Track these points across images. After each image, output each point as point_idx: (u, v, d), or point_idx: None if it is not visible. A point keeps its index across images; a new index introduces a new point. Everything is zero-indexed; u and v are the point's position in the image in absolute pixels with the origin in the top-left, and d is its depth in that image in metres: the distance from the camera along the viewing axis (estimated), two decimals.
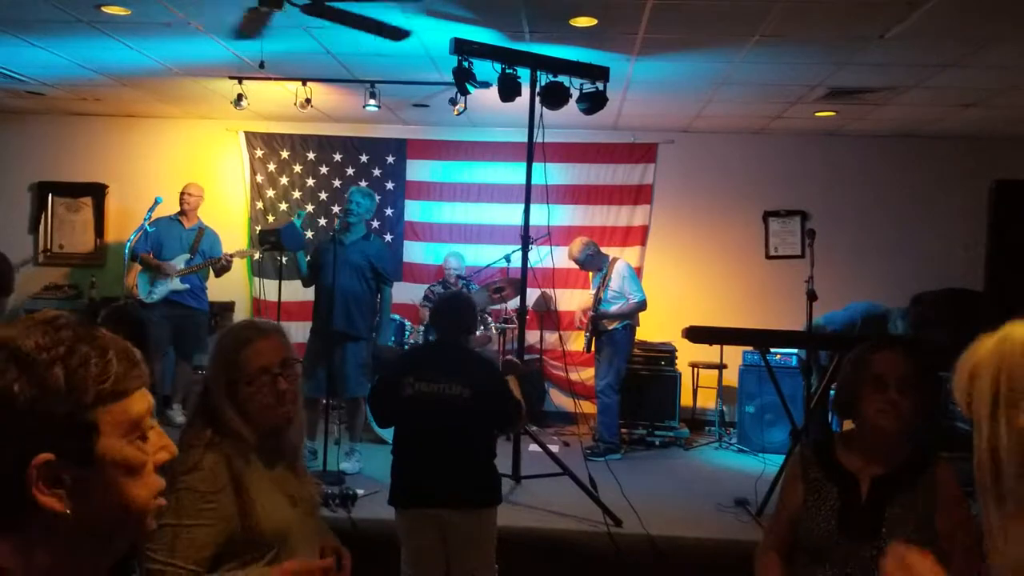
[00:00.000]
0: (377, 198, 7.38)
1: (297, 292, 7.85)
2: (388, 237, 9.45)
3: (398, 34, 5.72)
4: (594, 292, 7.70)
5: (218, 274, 8.37)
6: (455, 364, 4.14)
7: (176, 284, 8.05)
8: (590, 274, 8.11)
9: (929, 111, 8.03)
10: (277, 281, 7.97)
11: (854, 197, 9.14)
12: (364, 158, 9.60)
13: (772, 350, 7.29)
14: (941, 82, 6.98)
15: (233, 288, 9.39)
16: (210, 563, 2.28)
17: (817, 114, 8.28)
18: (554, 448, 6.80)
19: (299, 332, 7.35)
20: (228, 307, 9.45)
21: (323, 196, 9.59)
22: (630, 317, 7.65)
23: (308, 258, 6.99)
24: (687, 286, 9.32)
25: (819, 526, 2.71)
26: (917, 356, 2.68)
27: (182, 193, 8.33)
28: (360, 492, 5.91)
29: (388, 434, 7.48)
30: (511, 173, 9.25)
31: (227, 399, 2.43)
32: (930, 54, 6.28)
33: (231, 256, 8.33)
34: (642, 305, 7.60)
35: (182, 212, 8.31)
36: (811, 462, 2.83)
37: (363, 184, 9.21)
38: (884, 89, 7.29)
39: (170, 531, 2.23)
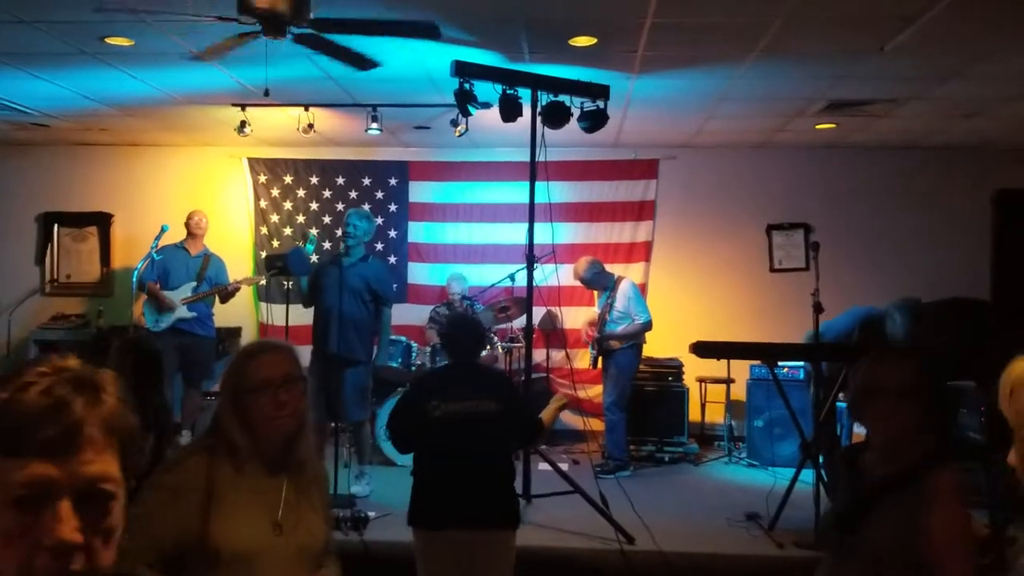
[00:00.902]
0: (377, 220, 7.38)
1: (304, 316, 7.82)
2: (392, 259, 9.49)
3: (366, 64, 5.82)
4: (599, 312, 7.71)
5: (224, 301, 8.38)
6: (481, 381, 4.17)
7: (183, 312, 8.05)
8: (595, 293, 8.13)
9: (930, 122, 8.05)
10: (284, 306, 8.02)
11: (857, 209, 9.16)
12: (367, 181, 9.64)
13: (779, 363, 7.30)
14: (941, 93, 7.01)
15: (239, 313, 9.40)
16: (159, 558, 2.31)
17: (818, 127, 8.31)
18: (563, 466, 6.78)
19: (306, 355, 7.36)
20: (235, 332, 9.45)
21: (327, 220, 9.62)
22: (636, 338, 7.66)
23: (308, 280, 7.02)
24: (692, 301, 9.33)
25: (827, 521, 2.92)
26: (917, 366, 2.73)
27: (191, 219, 8.34)
28: (371, 515, 5.91)
29: (398, 456, 7.56)
30: (513, 193, 9.28)
31: (231, 408, 2.51)
32: (929, 66, 6.30)
33: (238, 283, 8.35)
34: (647, 326, 7.61)
35: (189, 238, 8.33)
36: (841, 465, 3.00)
37: (366, 207, 9.24)
38: (884, 101, 7.31)
39: (132, 517, 2.27)
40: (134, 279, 7.89)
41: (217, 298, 8.35)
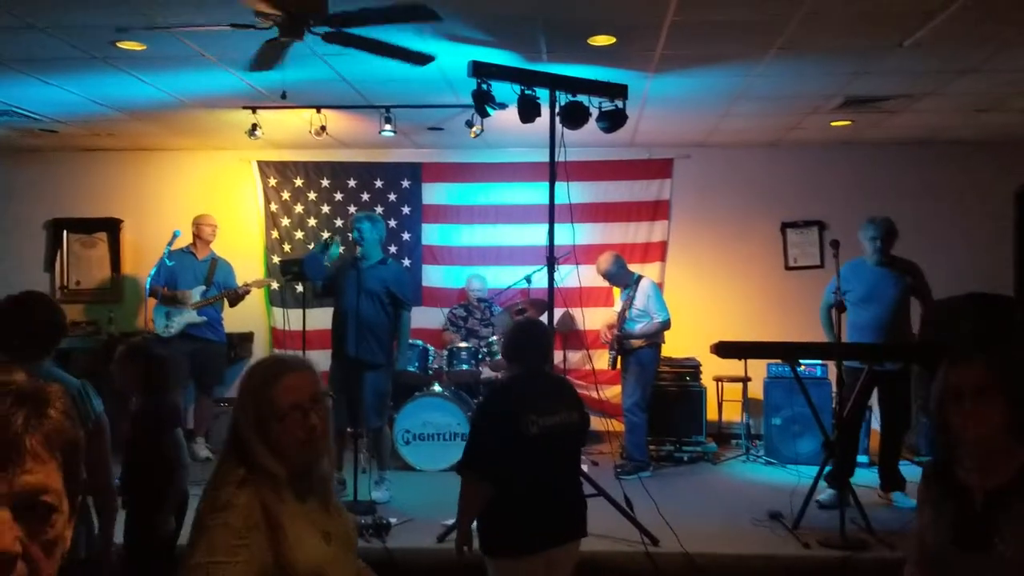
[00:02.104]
0: (390, 223, 7.30)
1: (320, 321, 7.79)
2: (406, 262, 9.41)
3: (422, 59, 5.68)
4: (619, 310, 7.66)
5: (233, 304, 8.35)
6: (560, 391, 4.06)
7: (193, 317, 8.03)
8: (616, 291, 8.09)
9: (945, 117, 8.01)
10: (297, 310, 8.00)
11: (872, 206, 8.98)
12: (379, 183, 9.58)
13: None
14: (957, 88, 6.97)
15: (251, 318, 9.37)
16: None
17: (833, 124, 8.27)
18: (583, 468, 6.74)
19: (323, 360, 7.35)
20: (247, 338, 9.42)
21: (339, 223, 9.54)
22: (655, 337, 7.61)
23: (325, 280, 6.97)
24: (708, 300, 9.30)
25: (937, 541, 2.69)
26: (997, 364, 2.59)
27: (202, 224, 8.31)
28: (393, 521, 5.86)
29: (418, 461, 7.55)
30: (528, 194, 9.25)
31: (257, 436, 2.38)
32: (947, 61, 6.27)
33: (248, 286, 8.31)
34: (666, 324, 7.57)
35: (197, 243, 8.31)
36: (931, 480, 2.81)
37: (379, 209, 9.20)
38: (900, 96, 7.27)
39: (202, 569, 2.21)
40: (147, 285, 7.84)
41: (226, 302, 8.31)
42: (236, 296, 8.27)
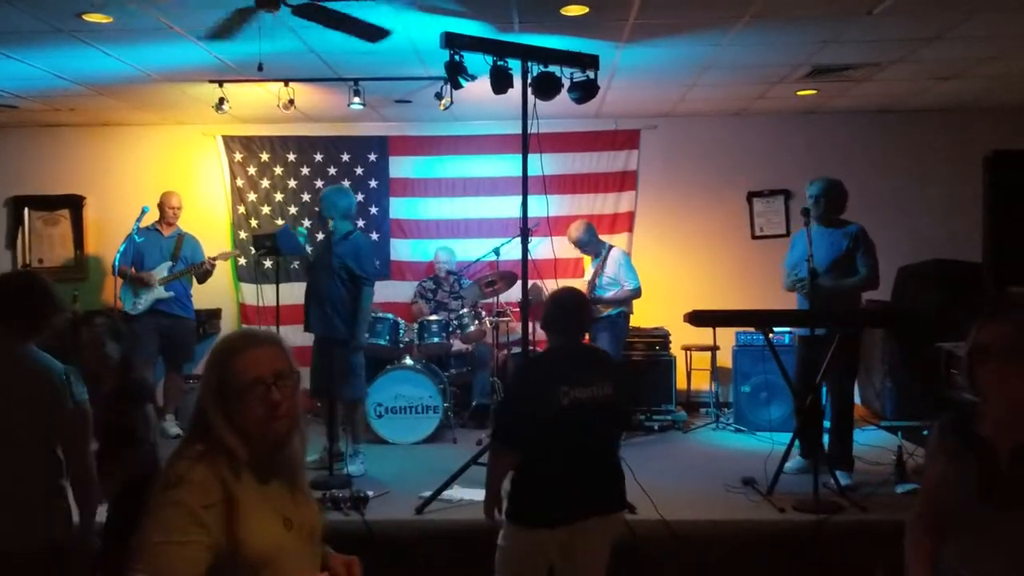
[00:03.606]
0: (357, 197, 7.21)
1: (287, 296, 7.70)
2: (374, 235, 9.38)
3: (378, 34, 5.64)
4: (590, 279, 7.69)
5: (201, 280, 8.27)
6: (596, 362, 4.03)
7: (161, 293, 7.95)
8: (586, 261, 8.11)
9: (908, 85, 8.08)
10: (267, 285, 7.95)
11: (837, 174, 8.98)
12: (346, 157, 9.52)
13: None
14: (923, 56, 7.03)
15: (219, 294, 9.31)
16: None
17: (798, 93, 8.31)
18: None
19: (294, 335, 7.42)
20: (215, 314, 9.35)
21: (306, 197, 9.49)
22: (624, 304, 7.66)
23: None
24: (676, 270, 9.35)
25: (958, 494, 2.64)
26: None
27: (164, 205, 8.22)
28: (370, 494, 5.85)
29: (390, 434, 7.55)
30: (495, 166, 9.28)
31: (219, 411, 2.28)
32: (915, 29, 6.31)
33: (213, 259, 8.24)
34: (636, 292, 7.62)
35: (161, 221, 8.22)
36: (948, 431, 2.76)
37: (346, 183, 9.14)
38: (867, 65, 7.32)
39: (157, 549, 2.13)
40: (115, 264, 7.75)
41: (195, 279, 8.25)
42: (203, 271, 8.19)
